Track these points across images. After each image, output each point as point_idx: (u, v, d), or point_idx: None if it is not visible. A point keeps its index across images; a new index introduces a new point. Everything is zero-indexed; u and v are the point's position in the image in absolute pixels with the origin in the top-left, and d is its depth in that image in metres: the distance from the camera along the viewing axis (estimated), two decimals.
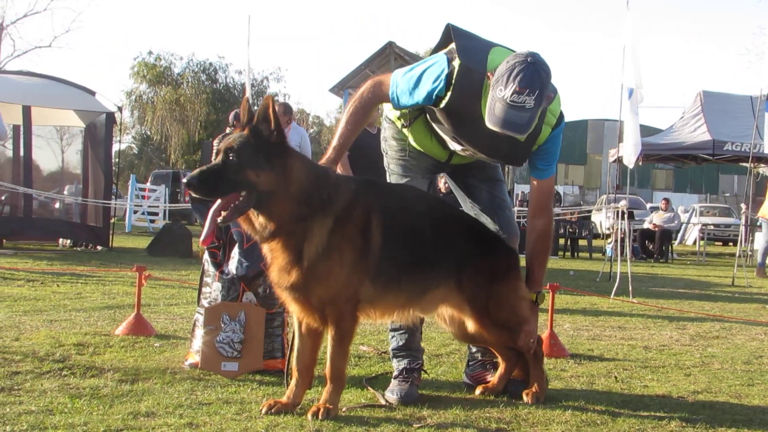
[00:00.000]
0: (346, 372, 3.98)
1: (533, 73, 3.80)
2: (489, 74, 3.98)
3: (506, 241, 4.59)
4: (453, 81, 4.04)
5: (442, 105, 4.10)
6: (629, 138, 11.94)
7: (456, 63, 4.07)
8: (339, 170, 4.32)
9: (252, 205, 3.65)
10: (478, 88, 4.06)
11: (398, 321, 4.30)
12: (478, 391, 4.49)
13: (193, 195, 3.66)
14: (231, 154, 3.62)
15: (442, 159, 4.61)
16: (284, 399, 3.96)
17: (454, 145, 4.41)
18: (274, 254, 3.82)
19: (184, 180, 3.61)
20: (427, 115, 4.38)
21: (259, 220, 3.72)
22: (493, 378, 4.56)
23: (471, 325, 4.28)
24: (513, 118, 3.81)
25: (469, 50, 4.12)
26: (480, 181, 4.75)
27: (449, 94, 4.06)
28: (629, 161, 12.07)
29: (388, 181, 4.72)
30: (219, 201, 3.67)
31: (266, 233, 3.72)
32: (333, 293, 3.81)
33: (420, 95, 4.15)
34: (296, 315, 3.99)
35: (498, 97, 3.81)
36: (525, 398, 4.33)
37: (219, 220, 3.66)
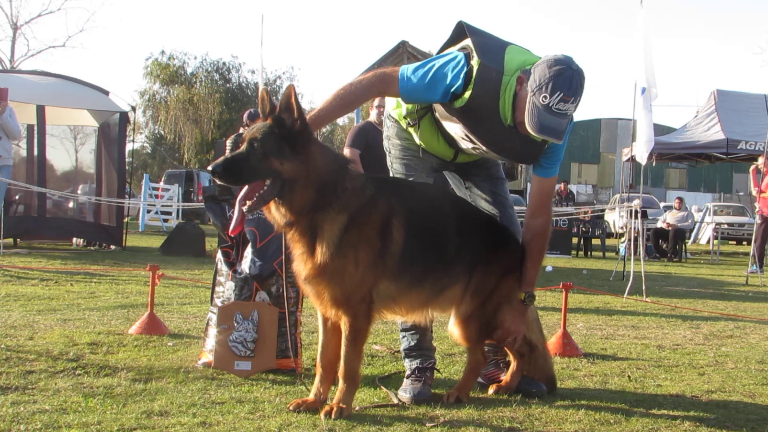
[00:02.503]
0: (359, 371, 3.99)
1: (578, 82, 3.89)
2: (521, 76, 4.00)
3: None
4: (473, 79, 4.03)
5: (461, 103, 4.09)
6: (642, 134, 11.91)
7: (475, 62, 4.05)
8: None
9: (276, 193, 3.70)
10: (497, 87, 4.06)
11: (420, 319, 4.30)
12: (491, 390, 4.48)
13: (218, 182, 3.73)
14: (255, 143, 3.68)
15: (448, 158, 4.61)
16: (311, 397, 3.98)
17: (464, 144, 4.40)
18: (293, 245, 3.87)
19: (209, 167, 3.66)
20: (436, 114, 4.37)
21: (280, 209, 3.77)
22: (506, 376, 4.55)
23: (452, 318, 4.30)
24: (554, 125, 3.89)
25: (486, 48, 4.12)
26: (482, 180, 4.74)
27: (468, 92, 4.05)
28: (642, 158, 12.05)
29: None
30: (244, 190, 3.74)
31: (285, 222, 3.78)
32: (347, 293, 3.82)
33: (437, 91, 4.12)
34: (320, 310, 4.01)
35: (542, 104, 3.85)
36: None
37: (244, 208, 3.73)
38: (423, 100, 4.28)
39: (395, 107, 4.61)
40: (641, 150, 11.96)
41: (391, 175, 4.72)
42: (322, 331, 4.06)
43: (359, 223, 3.82)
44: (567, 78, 3.85)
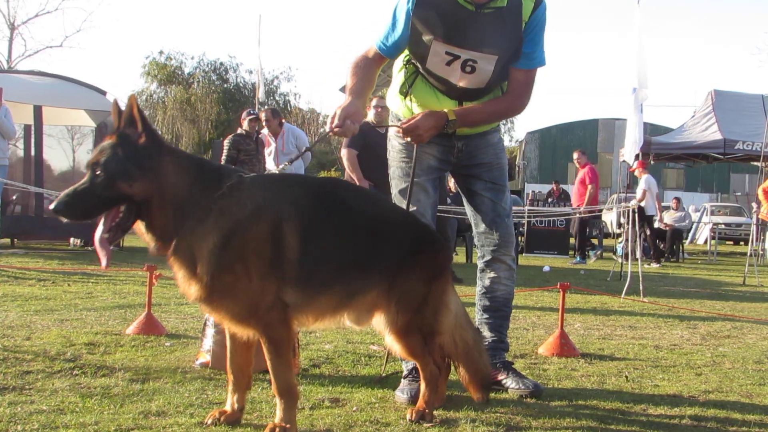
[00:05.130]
0: (295, 384, 3.57)
1: None
2: None
3: (502, 247, 4.59)
4: None
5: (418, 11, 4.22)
6: (630, 135, 11.95)
7: None
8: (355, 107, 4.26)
9: (134, 218, 3.37)
10: None
11: (333, 326, 3.97)
12: (408, 416, 3.87)
13: (65, 221, 3.41)
14: (97, 169, 3.29)
15: (452, 116, 4.44)
16: (228, 408, 3.74)
17: (453, 74, 4.36)
18: (174, 267, 3.49)
19: (51, 206, 3.30)
20: (420, 69, 4.43)
21: (147, 234, 3.42)
22: (420, 400, 4.03)
23: (385, 329, 3.87)
24: None
25: None
26: (483, 188, 4.69)
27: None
28: (629, 158, 12.10)
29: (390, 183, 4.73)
30: (101, 224, 3.38)
31: (153, 247, 3.45)
32: (248, 306, 3.41)
33: (401, 22, 4.27)
34: (226, 327, 3.70)
35: None
36: (407, 416, 3.92)
37: (105, 242, 3.40)
38: (398, 39, 4.35)
39: (395, 95, 4.64)
40: (629, 150, 12.01)
41: (390, 180, 4.72)
42: (229, 336, 3.77)
43: (243, 236, 3.38)
44: None
